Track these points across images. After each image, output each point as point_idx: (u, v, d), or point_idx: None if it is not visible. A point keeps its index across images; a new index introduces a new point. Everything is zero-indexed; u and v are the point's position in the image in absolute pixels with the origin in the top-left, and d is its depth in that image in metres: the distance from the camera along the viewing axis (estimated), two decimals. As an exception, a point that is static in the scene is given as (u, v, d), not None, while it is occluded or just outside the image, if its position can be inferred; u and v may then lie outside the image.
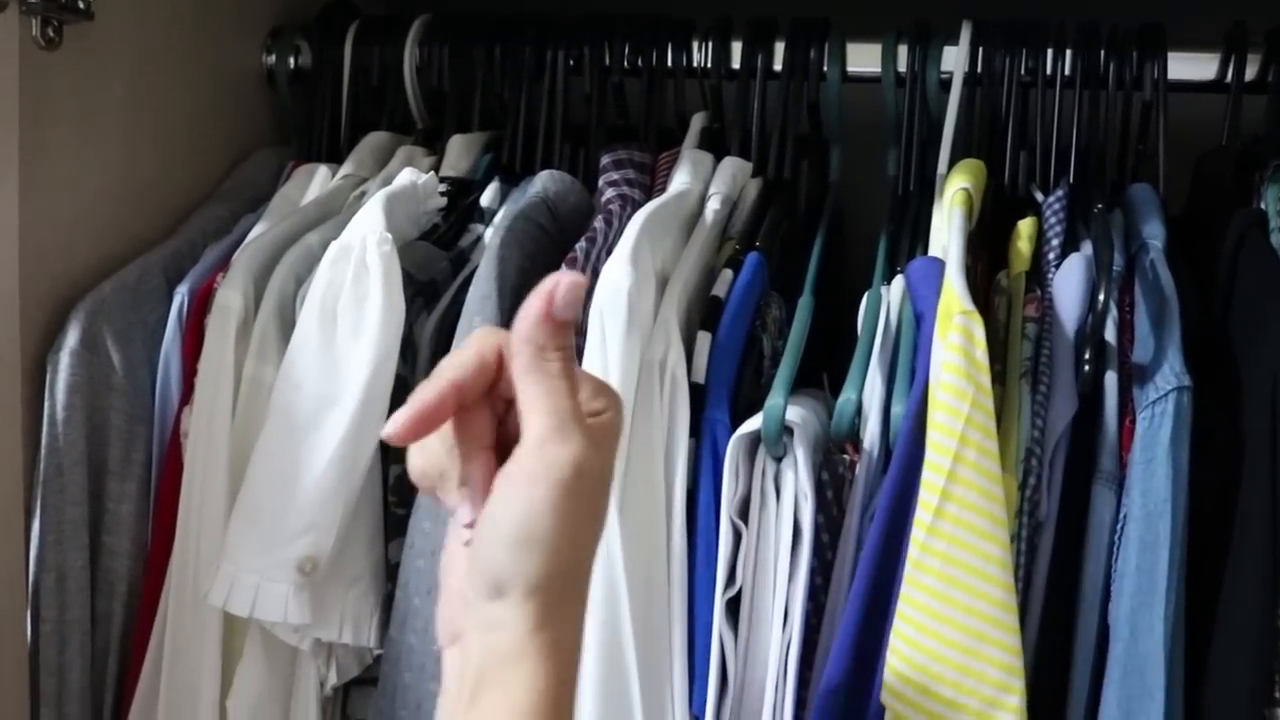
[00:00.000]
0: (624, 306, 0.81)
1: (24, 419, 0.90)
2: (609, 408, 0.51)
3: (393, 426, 0.49)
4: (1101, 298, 0.84)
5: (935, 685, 0.73)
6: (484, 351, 0.51)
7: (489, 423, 0.52)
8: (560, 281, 0.49)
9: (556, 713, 0.49)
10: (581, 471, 0.48)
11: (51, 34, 0.90)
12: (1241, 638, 0.78)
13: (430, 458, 0.52)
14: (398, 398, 0.88)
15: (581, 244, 0.90)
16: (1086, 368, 0.82)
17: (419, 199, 0.96)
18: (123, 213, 1.01)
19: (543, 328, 0.49)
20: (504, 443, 0.51)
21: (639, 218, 0.88)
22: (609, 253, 0.86)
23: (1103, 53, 1.04)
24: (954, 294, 0.78)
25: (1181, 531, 0.78)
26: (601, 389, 0.52)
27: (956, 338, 0.76)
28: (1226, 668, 0.78)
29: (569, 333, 0.50)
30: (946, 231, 0.89)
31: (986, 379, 0.75)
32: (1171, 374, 0.80)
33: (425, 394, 0.50)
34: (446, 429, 0.51)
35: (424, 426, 0.50)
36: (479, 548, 0.49)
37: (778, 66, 1.09)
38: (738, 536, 0.83)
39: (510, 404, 0.52)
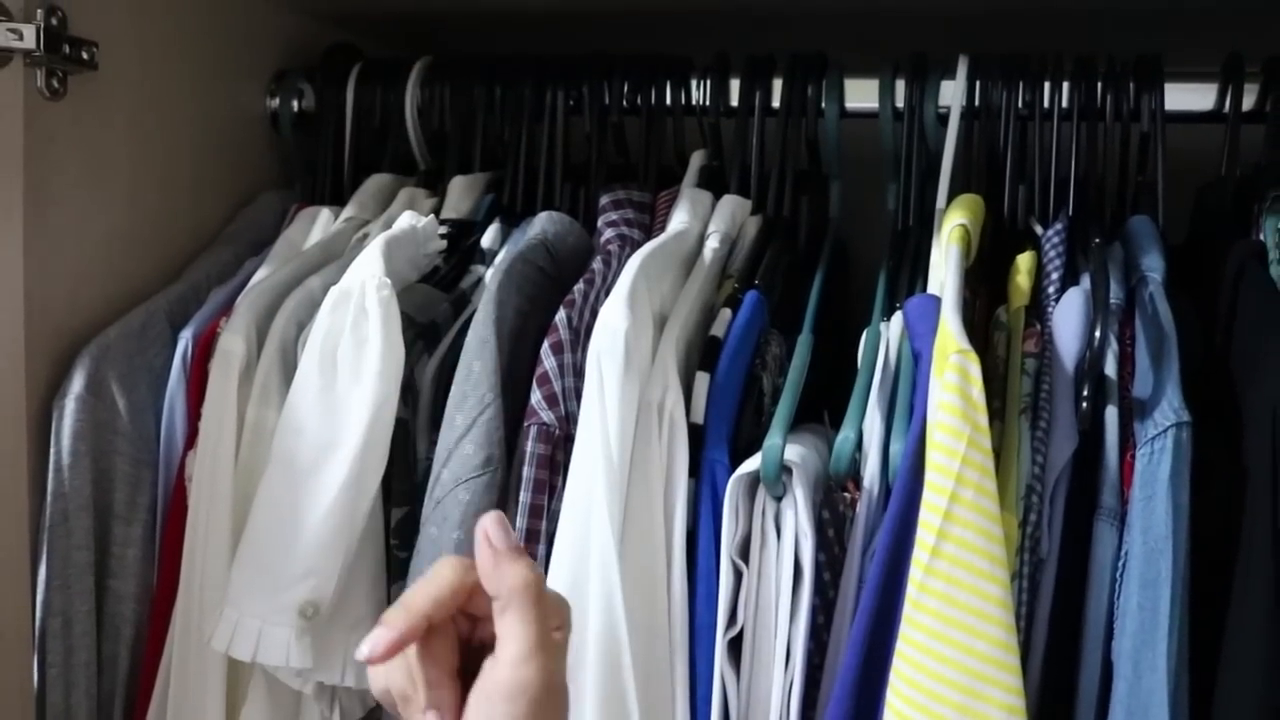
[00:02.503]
0: (621, 350, 0.81)
1: (30, 464, 0.90)
2: (564, 623, 0.56)
3: (370, 648, 0.52)
4: (1098, 333, 0.83)
5: (936, 726, 0.72)
6: (458, 587, 0.54)
7: (453, 644, 0.55)
8: (483, 525, 0.54)
9: None
10: (550, 688, 0.53)
11: (56, 84, 0.91)
12: (1246, 674, 0.77)
13: (392, 679, 0.55)
14: (398, 441, 0.88)
15: (580, 285, 0.91)
16: (1085, 404, 0.82)
17: (419, 242, 0.97)
18: (127, 258, 1.02)
19: (499, 570, 0.54)
20: (466, 658, 0.55)
21: (636, 259, 0.88)
22: (607, 294, 0.86)
23: (1100, 84, 1.04)
24: (950, 333, 0.78)
25: (1183, 568, 0.78)
26: (559, 606, 0.56)
27: (952, 377, 0.75)
28: (1231, 705, 0.78)
29: (525, 556, 0.54)
30: (944, 268, 0.89)
31: (983, 418, 0.75)
32: (1170, 410, 0.79)
33: (400, 620, 0.53)
34: (409, 650, 0.54)
35: (398, 650, 0.53)
36: None
37: (776, 103, 1.09)
38: (739, 576, 0.83)
39: (474, 620, 0.56)
